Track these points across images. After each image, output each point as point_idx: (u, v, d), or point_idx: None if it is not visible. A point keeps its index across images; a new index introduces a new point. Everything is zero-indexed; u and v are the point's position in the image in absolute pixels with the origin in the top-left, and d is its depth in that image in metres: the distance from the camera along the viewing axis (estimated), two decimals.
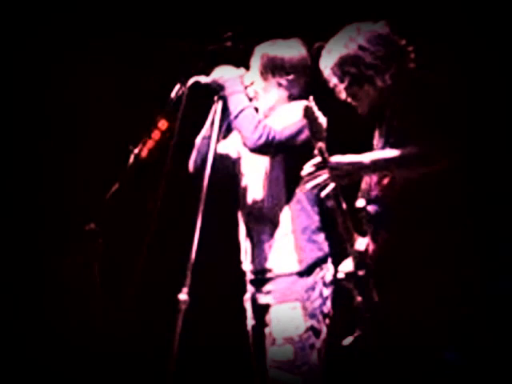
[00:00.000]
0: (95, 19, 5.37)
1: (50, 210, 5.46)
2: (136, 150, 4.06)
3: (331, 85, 3.58)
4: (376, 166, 3.40)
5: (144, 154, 4.05)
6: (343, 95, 3.57)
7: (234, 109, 3.91)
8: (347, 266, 3.55)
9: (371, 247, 3.51)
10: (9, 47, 5.41)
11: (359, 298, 3.47)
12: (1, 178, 5.39)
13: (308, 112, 3.41)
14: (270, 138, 3.83)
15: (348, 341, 3.50)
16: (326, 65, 3.56)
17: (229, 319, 4.68)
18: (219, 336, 5.30)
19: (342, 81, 3.52)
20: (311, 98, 3.44)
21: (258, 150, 3.87)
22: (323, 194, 3.42)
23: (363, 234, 3.55)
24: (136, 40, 5.37)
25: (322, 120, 3.48)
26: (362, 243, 3.54)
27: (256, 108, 4.05)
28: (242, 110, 3.89)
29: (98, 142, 5.49)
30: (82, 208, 4.72)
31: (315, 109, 3.41)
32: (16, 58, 5.40)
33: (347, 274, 3.53)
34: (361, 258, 3.50)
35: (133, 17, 5.37)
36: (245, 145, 3.91)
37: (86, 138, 5.49)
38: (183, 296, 3.69)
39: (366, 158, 3.40)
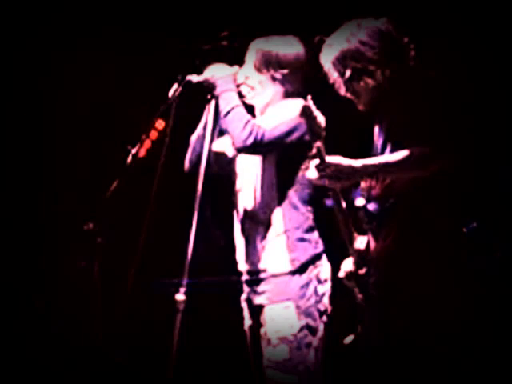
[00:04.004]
0: (93, 18, 5.38)
1: (48, 210, 5.48)
2: (134, 150, 4.06)
3: (331, 80, 3.57)
4: (374, 172, 3.38)
5: (142, 153, 4.05)
6: (343, 91, 3.57)
7: (223, 108, 3.91)
8: (348, 264, 3.56)
9: (372, 246, 3.50)
10: (8, 47, 5.42)
11: (360, 297, 3.48)
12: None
13: (306, 111, 3.38)
14: (259, 137, 3.81)
15: (349, 339, 3.51)
16: (327, 59, 3.55)
17: (227, 319, 4.68)
18: (218, 336, 5.31)
19: (342, 75, 3.52)
20: (309, 96, 3.41)
21: (246, 149, 3.86)
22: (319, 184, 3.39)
23: (363, 233, 3.54)
24: (134, 39, 5.38)
25: (321, 119, 3.43)
26: (361, 242, 3.53)
27: (251, 106, 4.05)
28: (231, 109, 3.88)
29: (96, 142, 5.51)
30: (80, 208, 4.73)
31: (313, 108, 3.39)
32: (15, 56, 5.42)
33: (347, 273, 3.54)
34: (361, 257, 3.50)
35: (131, 16, 5.37)
36: (233, 144, 3.90)
37: (85, 138, 5.51)
38: (180, 296, 3.70)
39: (367, 162, 3.37)
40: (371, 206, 3.51)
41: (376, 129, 3.60)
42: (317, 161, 3.35)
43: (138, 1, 5.41)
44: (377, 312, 3.45)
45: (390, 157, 3.38)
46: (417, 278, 3.37)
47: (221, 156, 4.12)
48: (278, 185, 3.94)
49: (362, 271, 3.49)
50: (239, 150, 3.90)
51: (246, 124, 3.83)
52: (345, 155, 3.40)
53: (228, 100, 3.90)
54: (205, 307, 5.05)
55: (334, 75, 3.55)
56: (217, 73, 3.98)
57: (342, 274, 3.59)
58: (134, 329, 4.94)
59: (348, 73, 3.50)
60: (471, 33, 4.69)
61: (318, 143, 3.36)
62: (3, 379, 5.16)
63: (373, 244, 3.50)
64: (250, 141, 3.81)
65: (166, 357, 3.72)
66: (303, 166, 3.91)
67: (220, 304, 5.05)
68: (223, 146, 4.13)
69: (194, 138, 4.14)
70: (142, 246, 3.85)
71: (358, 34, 3.49)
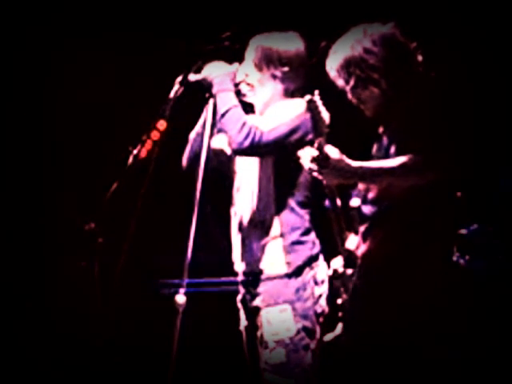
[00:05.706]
0: (93, 18, 5.39)
1: (49, 210, 5.48)
2: (135, 151, 4.05)
3: (338, 86, 3.56)
4: (370, 175, 3.37)
5: (143, 154, 4.03)
6: (349, 97, 3.55)
7: (220, 108, 3.85)
8: (337, 263, 3.56)
9: (361, 247, 3.50)
10: (9, 46, 5.43)
11: (345, 296, 3.48)
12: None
13: (312, 105, 3.36)
14: (256, 139, 3.76)
15: (329, 337, 3.51)
16: (332, 66, 3.53)
17: (228, 320, 4.68)
18: (218, 336, 5.31)
19: (347, 82, 3.50)
20: (317, 92, 3.39)
21: (243, 152, 3.82)
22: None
23: (355, 233, 3.54)
24: (135, 39, 5.38)
25: (325, 115, 3.39)
26: (352, 242, 3.53)
27: (251, 104, 4.01)
28: (227, 110, 3.82)
29: (96, 142, 5.51)
30: (80, 208, 4.73)
31: (319, 103, 3.37)
32: (15, 56, 5.42)
33: (335, 272, 3.54)
34: (350, 257, 3.50)
35: (131, 16, 5.38)
36: (230, 146, 3.86)
37: (85, 138, 5.51)
38: (181, 297, 3.70)
39: (364, 164, 3.35)
40: (366, 208, 3.51)
41: (381, 134, 3.58)
42: (314, 150, 3.34)
43: (139, 1, 5.41)
44: (360, 312, 3.44)
45: (387, 162, 3.36)
46: (406, 282, 3.36)
47: (220, 153, 4.08)
48: (275, 187, 3.91)
49: (350, 271, 3.50)
50: (235, 152, 3.86)
51: (243, 126, 3.78)
52: (346, 155, 3.39)
53: (224, 100, 3.85)
54: (205, 307, 5.05)
55: (339, 82, 3.53)
56: (214, 71, 3.92)
57: (329, 272, 3.59)
58: (134, 329, 4.96)
59: (352, 81, 3.48)
60: (471, 33, 4.70)
61: (321, 139, 3.34)
62: (3, 379, 5.16)
63: (362, 245, 3.50)
64: (246, 143, 3.76)
65: (166, 357, 3.71)
66: (301, 168, 3.88)
67: (220, 304, 5.05)
68: (222, 143, 4.07)
69: (192, 135, 4.11)
70: (129, 245, 3.84)
71: (362, 41, 3.46)
